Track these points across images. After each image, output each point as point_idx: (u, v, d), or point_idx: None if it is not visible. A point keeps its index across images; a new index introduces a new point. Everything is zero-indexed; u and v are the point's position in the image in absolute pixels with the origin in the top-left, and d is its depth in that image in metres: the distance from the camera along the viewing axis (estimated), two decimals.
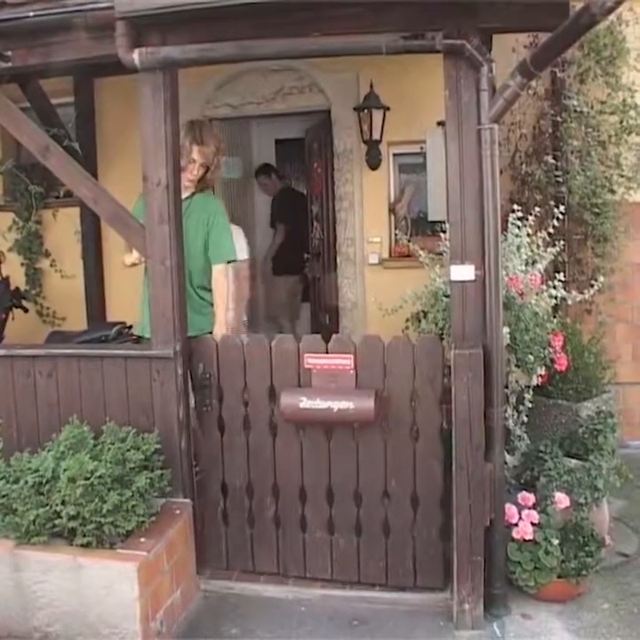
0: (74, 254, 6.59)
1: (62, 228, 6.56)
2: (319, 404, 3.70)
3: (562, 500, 3.77)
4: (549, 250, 4.26)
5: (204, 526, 4.04)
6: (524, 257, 4.15)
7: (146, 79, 3.74)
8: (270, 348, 3.90)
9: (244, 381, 3.95)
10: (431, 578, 3.84)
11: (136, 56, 3.61)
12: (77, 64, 4.02)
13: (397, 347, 3.77)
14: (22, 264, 6.65)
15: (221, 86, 6.38)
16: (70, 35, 3.73)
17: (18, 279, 6.48)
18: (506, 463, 3.82)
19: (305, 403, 3.72)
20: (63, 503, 3.36)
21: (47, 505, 3.41)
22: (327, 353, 3.80)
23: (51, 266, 6.63)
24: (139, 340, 5.52)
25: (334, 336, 3.88)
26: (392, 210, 6.28)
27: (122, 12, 3.43)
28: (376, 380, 3.79)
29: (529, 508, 3.70)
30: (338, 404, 3.67)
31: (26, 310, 6.31)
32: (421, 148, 5.99)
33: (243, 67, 6.01)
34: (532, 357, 3.95)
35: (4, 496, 3.49)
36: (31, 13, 3.69)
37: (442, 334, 4.07)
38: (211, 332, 4.22)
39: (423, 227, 6.16)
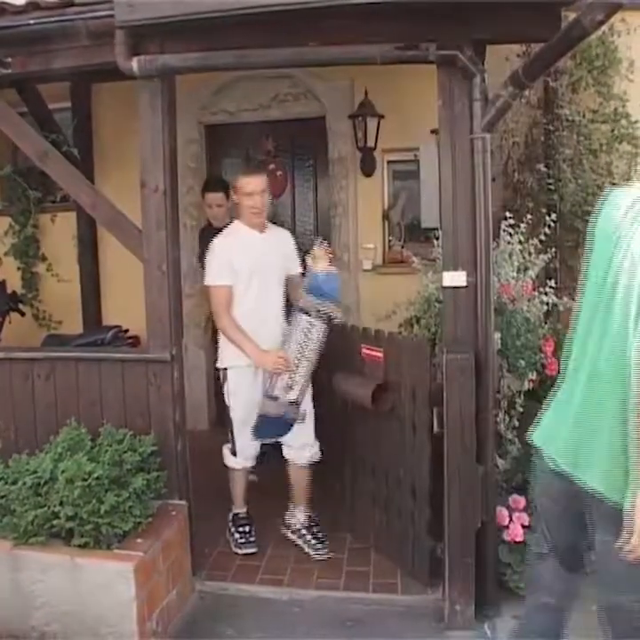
0: (70, 258, 6.60)
1: (59, 233, 6.57)
2: (343, 386, 4.37)
3: None
4: (541, 257, 4.29)
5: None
6: (516, 264, 4.18)
7: (144, 86, 3.79)
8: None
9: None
10: (420, 572, 3.94)
11: (134, 64, 3.65)
12: (76, 70, 4.05)
13: (402, 345, 3.99)
14: (19, 268, 6.65)
15: (217, 92, 6.42)
16: (70, 42, 3.79)
17: (14, 283, 6.51)
18: (497, 467, 3.86)
19: (339, 384, 4.40)
20: (61, 504, 3.39)
21: (45, 506, 3.44)
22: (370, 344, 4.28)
23: (47, 270, 6.63)
24: (135, 343, 5.57)
25: (371, 329, 4.32)
26: (386, 216, 6.32)
27: (121, 21, 3.47)
28: (393, 373, 4.04)
29: (520, 511, 3.74)
30: (352, 389, 4.27)
31: (22, 314, 6.36)
32: (415, 156, 6.03)
33: (239, 73, 6.04)
34: (523, 362, 3.99)
35: (2, 497, 3.54)
36: (31, 21, 3.75)
37: (434, 339, 4.12)
38: None
39: (416, 233, 6.19)
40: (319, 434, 4.41)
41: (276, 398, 4.09)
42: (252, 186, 4.25)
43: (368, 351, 4.24)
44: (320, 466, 4.47)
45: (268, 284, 4.29)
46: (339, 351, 4.40)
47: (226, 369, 4.30)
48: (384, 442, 4.18)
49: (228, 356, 4.29)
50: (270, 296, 4.32)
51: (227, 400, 4.33)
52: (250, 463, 4.44)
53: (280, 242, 4.45)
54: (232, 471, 4.44)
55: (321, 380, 4.39)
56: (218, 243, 4.29)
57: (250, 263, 4.20)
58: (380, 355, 4.13)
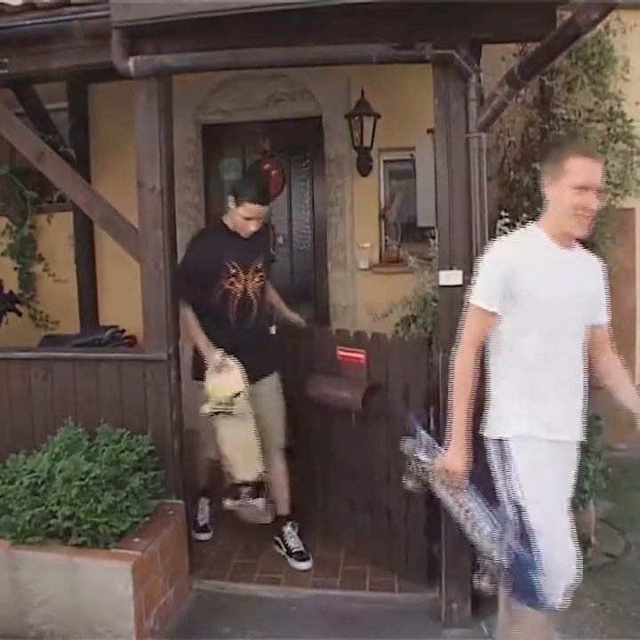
0: (67, 258, 6.61)
1: (55, 233, 6.56)
2: (324, 390, 4.16)
3: None
4: None
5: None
6: None
7: (140, 86, 3.80)
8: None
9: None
10: (417, 571, 3.93)
11: (131, 64, 3.67)
12: (73, 71, 4.06)
13: (394, 346, 3.96)
14: (15, 268, 6.64)
15: (214, 92, 6.42)
16: (66, 42, 3.80)
17: (11, 283, 6.50)
18: None
19: (315, 389, 4.18)
20: (58, 503, 3.40)
21: (43, 505, 3.45)
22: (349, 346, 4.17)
23: (44, 270, 6.63)
24: (132, 343, 5.57)
25: (353, 331, 4.24)
26: (382, 215, 6.33)
27: (118, 21, 3.48)
28: (380, 374, 4.00)
29: None
30: (336, 392, 4.09)
31: (19, 314, 6.35)
32: (411, 155, 6.04)
33: (235, 73, 6.05)
34: None
35: (0, 496, 3.54)
36: (27, 21, 3.75)
37: (431, 338, 4.12)
38: None
39: (413, 232, 6.19)
40: (301, 440, 4.46)
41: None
42: (592, 176, 2.78)
43: (345, 353, 4.19)
44: (302, 474, 4.51)
45: (565, 330, 2.88)
46: (316, 354, 4.38)
47: (506, 440, 2.85)
48: (369, 444, 4.13)
49: (510, 415, 2.88)
50: (567, 350, 2.91)
51: (513, 492, 2.80)
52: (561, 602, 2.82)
53: (590, 271, 3.01)
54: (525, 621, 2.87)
55: (296, 385, 4.34)
56: (500, 249, 2.95)
57: (543, 290, 2.82)
58: (362, 356, 4.08)
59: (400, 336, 4.27)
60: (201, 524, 4.62)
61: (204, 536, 4.55)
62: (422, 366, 3.80)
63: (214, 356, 3.93)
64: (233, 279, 4.14)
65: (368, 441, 4.14)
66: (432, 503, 3.69)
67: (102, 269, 6.66)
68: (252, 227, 4.15)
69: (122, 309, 5.37)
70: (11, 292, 6.37)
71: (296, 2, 3.24)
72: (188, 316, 4.07)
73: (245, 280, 4.19)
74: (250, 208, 4.09)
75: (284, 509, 4.41)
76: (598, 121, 5.46)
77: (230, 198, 4.14)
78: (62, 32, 3.74)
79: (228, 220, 4.22)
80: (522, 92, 4.85)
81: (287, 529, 4.40)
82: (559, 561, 2.75)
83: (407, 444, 3.19)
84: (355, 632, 3.58)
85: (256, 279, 4.25)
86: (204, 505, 4.69)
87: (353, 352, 4.14)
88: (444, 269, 3.58)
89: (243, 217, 4.11)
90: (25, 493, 3.49)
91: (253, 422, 4.00)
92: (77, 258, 6.62)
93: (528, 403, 2.83)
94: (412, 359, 3.84)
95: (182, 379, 4.02)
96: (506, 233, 4.19)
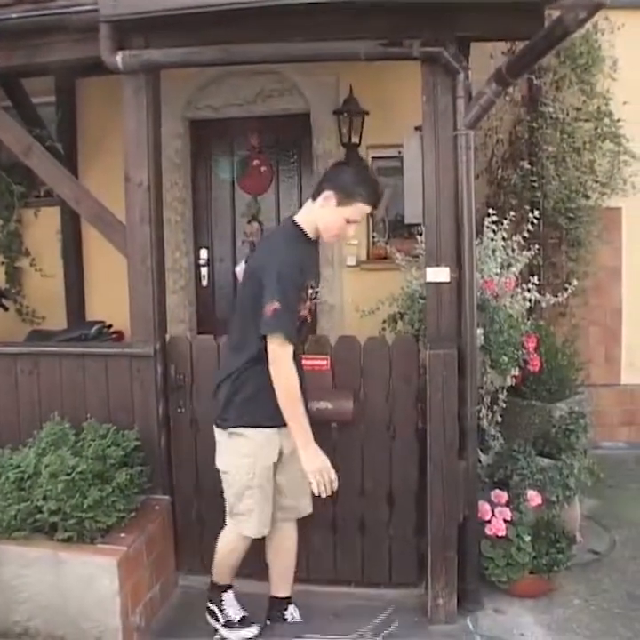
0: (54, 253, 6.60)
1: (42, 228, 6.55)
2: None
3: (534, 497, 3.84)
4: (524, 253, 4.32)
5: (179, 526, 4.04)
6: (499, 260, 4.21)
7: (128, 81, 3.78)
8: None
9: None
10: (405, 574, 3.91)
11: (119, 58, 3.65)
12: (61, 65, 4.05)
13: (373, 347, 3.84)
14: (2, 263, 6.64)
15: (203, 88, 6.41)
16: (54, 36, 3.79)
17: None
18: (480, 462, 3.89)
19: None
20: (44, 498, 3.39)
21: (28, 500, 3.44)
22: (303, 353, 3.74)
23: (31, 265, 6.61)
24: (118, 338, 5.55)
25: (311, 337, 3.96)
26: (370, 212, 6.32)
27: (106, 15, 3.47)
28: (352, 379, 3.85)
29: (502, 506, 3.76)
30: (316, 404, 3.61)
31: (6, 309, 6.33)
32: (399, 152, 6.06)
33: (224, 69, 6.02)
34: (505, 358, 4.00)
35: None
36: (14, 15, 3.72)
37: (418, 335, 4.13)
38: None
39: (400, 229, 6.23)
40: None
41: None
42: None
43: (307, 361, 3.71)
44: None
45: None
46: None
47: None
48: (341, 454, 3.78)
49: None
50: None
51: None
52: None
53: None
54: None
55: None
56: None
57: None
58: (325, 362, 3.82)
59: (380, 336, 4.22)
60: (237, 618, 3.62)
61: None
62: (412, 365, 3.77)
63: (321, 464, 3.14)
64: (308, 302, 3.32)
65: (341, 451, 3.83)
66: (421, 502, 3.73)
67: (89, 264, 6.65)
68: (352, 231, 3.41)
69: (109, 304, 5.36)
70: None
71: None
72: (296, 384, 3.11)
73: (311, 300, 3.37)
74: (362, 209, 3.34)
75: (286, 590, 3.70)
76: (586, 120, 5.50)
77: (331, 194, 3.23)
78: (50, 26, 3.71)
79: (305, 224, 3.33)
80: (510, 89, 4.87)
81: (290, 612, 3.68)
82: None
83: None
84: (342, 628, 3.58)
85: (313, 298, 3.42)
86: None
87: (309, 359, 3.73)
88: (431, 266, 3.58)
89: (347, 219, 3.30)
90: (11, 488, 3.47)
91: None
92: (64, 253, 6.62)
93: None
94: (399, 358, 3.78)
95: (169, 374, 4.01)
96: (493, 230, 4.22)
